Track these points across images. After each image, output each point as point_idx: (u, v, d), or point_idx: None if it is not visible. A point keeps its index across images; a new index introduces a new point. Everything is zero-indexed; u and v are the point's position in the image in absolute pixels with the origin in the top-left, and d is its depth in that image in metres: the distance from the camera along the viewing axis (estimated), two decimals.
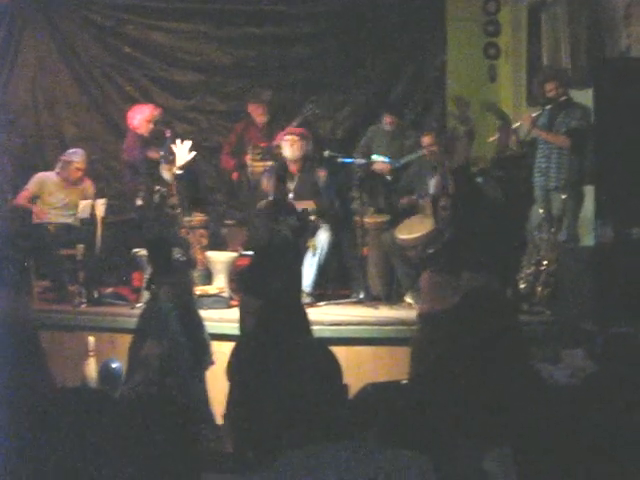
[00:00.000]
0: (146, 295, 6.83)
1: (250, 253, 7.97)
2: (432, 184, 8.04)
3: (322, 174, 8.40)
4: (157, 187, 8.00)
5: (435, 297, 6.07)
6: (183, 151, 8.21)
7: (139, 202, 8.16)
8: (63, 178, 8.62)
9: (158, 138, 8.61)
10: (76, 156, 8.68)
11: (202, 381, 6.19)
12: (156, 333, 5.83)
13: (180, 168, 8.13)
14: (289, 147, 8.24)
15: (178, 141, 8.26)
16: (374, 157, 8.55)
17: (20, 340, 5.96)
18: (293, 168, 8.31)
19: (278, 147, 8.47)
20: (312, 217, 8.07)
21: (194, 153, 8.28)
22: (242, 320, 6.27)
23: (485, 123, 9.04)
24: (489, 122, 9.02)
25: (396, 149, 8.70)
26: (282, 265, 6.14)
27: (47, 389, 5.65)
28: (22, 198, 8.59)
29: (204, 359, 6.27)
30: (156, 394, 5.32)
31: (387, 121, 8.79)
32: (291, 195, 8.17)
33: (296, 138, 8.27)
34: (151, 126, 8.71)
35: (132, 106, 9.04)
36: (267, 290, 5.78)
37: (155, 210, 7.77)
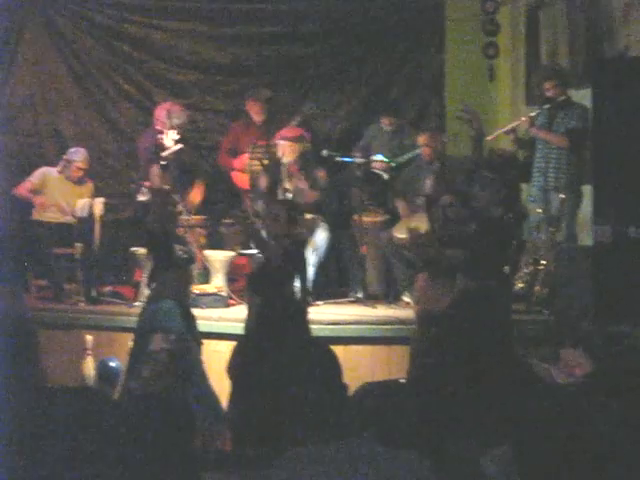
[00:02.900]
0: (146, 292, 6.84)
1: (248, 252, 8.00)
2: (427, 184, 8.04)
3: (321, 174, 8.40)
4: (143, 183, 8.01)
5: (430, 298, 6.08)
6: (169, 141, 8.19)
7: (141, 197, 8.15)
8: (64, 177, 8.63)
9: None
10: (77, 155, 8.68)
11: (206, 377, 6.21)
12: (163, 328, 5.86)
13: (165, 159, 8.09)
14: (282, 152, 8.22)
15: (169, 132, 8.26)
16: (375, 157, 8.54)
17: (16, 338, 5.97)
18: (291, 168, 8.30)
19: (276, 146, 8.45)
20: (311, 216, 8.09)
21: (180, 146, 8.25)
22: (248, 319, 6.27)
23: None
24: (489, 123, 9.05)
25: (396, 148, 8.70)
26: (291, 266, 6.15)
27: (42, 387, 5.65)
28: (24, 189, 8.59)
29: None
30: (164, 390, 5.35)
31: (385, 122, 8.79)
32: (289, 195, 8.16)
33: (288, 143, 8.25)
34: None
35: (162, 103, 8.92)
36: (277, 291, 5.80)
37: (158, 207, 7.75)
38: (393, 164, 8.54)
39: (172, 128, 8.37)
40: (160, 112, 8.67)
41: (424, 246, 6.66)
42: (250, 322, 6.17)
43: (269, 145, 8.63)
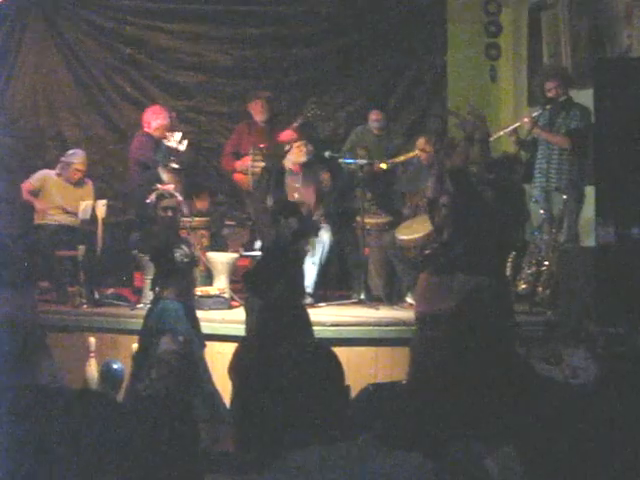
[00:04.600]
0: (149, 295, 6.85)
1: (251, 254, 8.01)
2: (429, 186, 8.03)
3: (325, 175, 8.41)
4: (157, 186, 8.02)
5: (431, 299, 6.08)
6: (176, 142, 8.21)
7: (149, 200, 8.17)
8: (63, 179, 8.63)
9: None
10: (75, 157, 8.68)
11: (210, 379, 6.24)
12: (170, 330, 5.88)
13: (178, 162, 8.12)
14: (298, 153, 8.20)
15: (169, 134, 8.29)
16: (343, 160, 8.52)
17: (25, 340, 5.99)
18: (296, 168, 8.29)
19: (277, 147, 8.45)
20: (314, 218, 8.08)
21: (186, 142, 8.29)
22: (248, 320, 6.28)
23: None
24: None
25: (383, 150, 8.70)
26: (285, 266, 6.15)
27: (53, 388, 5.65)
28: (24, 190, 8.59)
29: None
30: (170, 392, 5.37)
31: (374, 117, 8.80)
32: (296, 195, 8.14)
33: (302, 143, 8.26)
34: (166, 131, 8.62)
35: (149, 107, 8.96)
36: (271, 291, 5.80)
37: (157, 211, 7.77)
38: (384, 166, 8.51)
39: (172, 130, 8.42)
40: (147, 115, 8.70)
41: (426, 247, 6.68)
42: (249, 323, 6.19)
43: (271, 147, 8.64)
